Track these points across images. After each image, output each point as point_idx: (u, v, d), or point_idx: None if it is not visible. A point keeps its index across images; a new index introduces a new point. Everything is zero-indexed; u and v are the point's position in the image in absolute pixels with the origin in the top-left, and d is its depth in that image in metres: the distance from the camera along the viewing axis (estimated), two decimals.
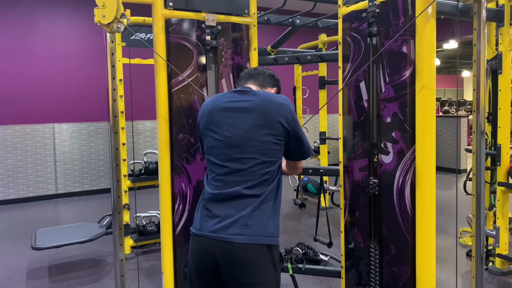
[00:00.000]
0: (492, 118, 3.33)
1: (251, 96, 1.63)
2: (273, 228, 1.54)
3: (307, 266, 2.58)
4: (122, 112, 3.73)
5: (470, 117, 8.22)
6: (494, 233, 3.15)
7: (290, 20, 3.77)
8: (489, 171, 3.38)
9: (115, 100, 1.91)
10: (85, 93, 6.57)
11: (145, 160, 4.21)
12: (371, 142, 2.13)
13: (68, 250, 3.93)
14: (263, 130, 1.55)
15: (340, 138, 2.33)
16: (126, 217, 3.76)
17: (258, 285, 1.49)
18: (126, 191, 3.78)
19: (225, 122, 1.59)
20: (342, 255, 2.35)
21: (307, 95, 6.07)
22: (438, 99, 13.64)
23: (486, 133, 3.29)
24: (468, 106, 13.90)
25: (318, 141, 5.77)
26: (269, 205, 1.54)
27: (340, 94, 2.28)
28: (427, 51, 1.84)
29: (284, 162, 1.81)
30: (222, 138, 1.58)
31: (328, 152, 5.82)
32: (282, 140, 1.59)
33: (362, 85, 2.13)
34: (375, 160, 2.12)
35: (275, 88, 1.81)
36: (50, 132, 6.36)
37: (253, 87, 1.73)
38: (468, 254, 3.65)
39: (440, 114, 10.21)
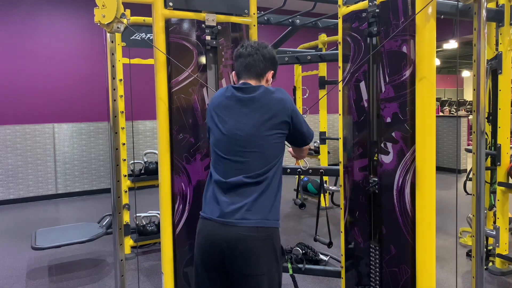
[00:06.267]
0: (492, 118, 3.33)
1: (252, 93, 1.69)
2: (274, 212, 1.65)
3: (307, 266, 2.58)
4: (122, 112, 3.73)
5: (470, 117, 8.22)
6: (494, 233, 3.15)
7: (290, 20, 3.77)
8: (489, 171, 3.38)
9: (115, 100, 1.91)
10: (85, 93, 6.56)
11: (145, 160, 4.21)
12: (371, 142, 2.13)
13: (68, 250, 3.92)
14: (266, 126, 1.65)
15: (340, 138, 2.33)
16: (126, 217, 3.76)
17: (260, 276, 1.57)
18: (126, 191, 3.78)
19: (230, 118, 1.68)
20: (342, 255, 2.35)
21: (307, 95, 6.07)
22: (438, 99, 13.65)
23: (486, 133, 3.29)
24: (468, 106, 13.91)
25: (318, 141, 5.77)
26: (271, 192, 1.65)
27: (340, 94, 2.28)
28: (427, 51, 1.84)
29: (291, 148, 1.95)
30: (227, 133, 1.67)
31: (328, 152, 5.82)
32: (284, 133, 1.70)
33: (362, 85, 2.13)
34: (375, 158, 2.12)
35: (271, 71, 1.79)
36: (50, 132, 6.36)
37: (252, 82, 1.74)
38: (468, 254, 3.64)
39: (441, 114, 10.20)
